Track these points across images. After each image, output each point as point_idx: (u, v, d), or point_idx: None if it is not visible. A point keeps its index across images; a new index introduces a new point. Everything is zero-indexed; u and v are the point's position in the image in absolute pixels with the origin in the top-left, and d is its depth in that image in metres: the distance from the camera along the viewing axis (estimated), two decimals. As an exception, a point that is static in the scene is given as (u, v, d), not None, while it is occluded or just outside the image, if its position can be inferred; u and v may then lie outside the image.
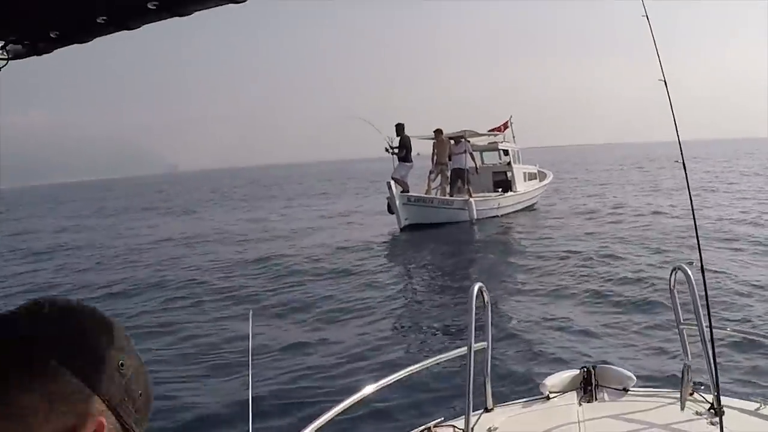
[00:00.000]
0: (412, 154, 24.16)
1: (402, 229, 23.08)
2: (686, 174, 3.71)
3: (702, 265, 3.50)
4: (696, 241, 3.64)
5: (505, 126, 29.41)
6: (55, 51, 2.32)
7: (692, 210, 3.95)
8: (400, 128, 23.89)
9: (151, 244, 24.93)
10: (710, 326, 3.39)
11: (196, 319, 12.60)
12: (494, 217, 25.40)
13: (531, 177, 30.49)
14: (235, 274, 17.11)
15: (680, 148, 3.65)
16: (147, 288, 15.99)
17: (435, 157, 25.23)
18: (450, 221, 23.57)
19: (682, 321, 3.99)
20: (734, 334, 5.86)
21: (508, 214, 26.43)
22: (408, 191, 23.75)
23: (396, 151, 23.76)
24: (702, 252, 3.62)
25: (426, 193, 24.63)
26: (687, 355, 3.89)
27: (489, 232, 22.39)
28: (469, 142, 25.84)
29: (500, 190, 27.69)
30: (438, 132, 25.03)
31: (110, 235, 29.85)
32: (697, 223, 4.04)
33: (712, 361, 3.39)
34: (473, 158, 25.75)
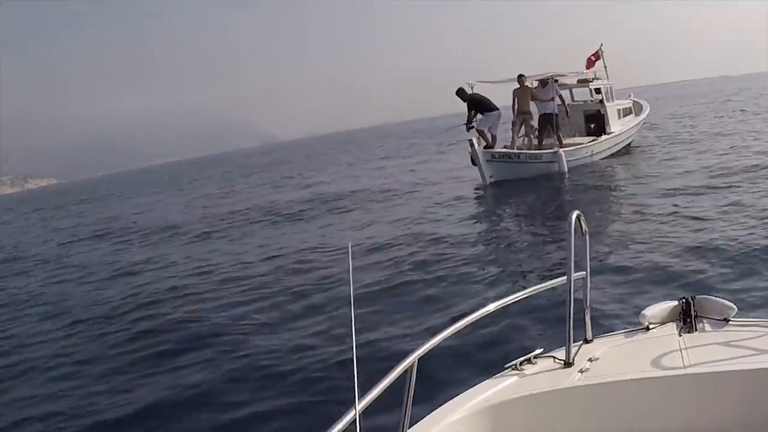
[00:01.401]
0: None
1: (486, 187, 21.53)
2: None
3: None
4: None
5: (596, 56, 26.82)
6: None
7: None
8: (461, 93, 22.34)
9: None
10: None
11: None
12: (588, 164, 23.36)
13: (626, 113, 28.11)
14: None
15: None
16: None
17: (516, 106, 23.25)
18: (539, 175, 21.76)
19: None
20: None
21: (603, 159, 24.39)
22: (494, 146, 22.21)
23: (469, 117, 22.28)
24: None
25: (511, 146, 22.82)
26: None
27: (583, 182, 20.43)
28: (557, 81, 23.80)
29: (593, 126, 25.78)
30: (520, 77, 23.03)
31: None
32: None
33: None
34: (563, 101, 23.80)
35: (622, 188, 18.88)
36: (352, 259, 12.50)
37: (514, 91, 23.15)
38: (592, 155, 23.86)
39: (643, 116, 29.23)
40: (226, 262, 15.56)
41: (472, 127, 22.24)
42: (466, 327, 3.51)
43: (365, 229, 17.32)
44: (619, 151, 25.99)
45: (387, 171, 36.02)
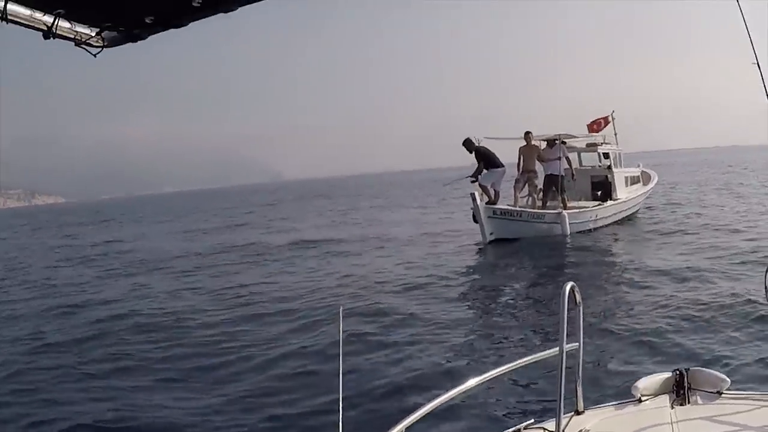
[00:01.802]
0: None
1: (486, 245, 20.87)
2: None
3: None
4: None
5: (606, 121, 26.34)
6: (150, 37, 2.50)
7: None
8: (468, 143, 21.85)
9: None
10: None
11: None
12: (591, 230, 22.75)
13: (633, 181, 27.56)
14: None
15: None
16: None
17: (521, 164, 22.75)
18: (540, 235, 21.17)
19: None
20: None
21: (607, 225, 23.77)
22: (496, 202, 21.56)
23: (476, 170, 21.80)
24: None
25: (513, 205, 22.24)
26: None
27: (584, 246, 19.96)
28: (564, 143, 23.30)
29: (599, 193, 25.15)
30: (527, 135, 22.53)
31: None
32: None
33: None
34: (569, 163, 23.28)
35: (623, 257, 18.49)
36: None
37: (520, 148, 22.65)
38: (595, 220, 23.21)
39: (650, 186, 28.67)
40: (202, 302, 15.61)
41: (476, 180, 21.75)
42: (456, 396, 3.58)
43: (353, 283, 16.68)
44: (623, 218, 25.32)
45: (387, 220, 35.65)
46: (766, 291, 4.02)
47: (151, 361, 10.79)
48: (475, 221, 21.11)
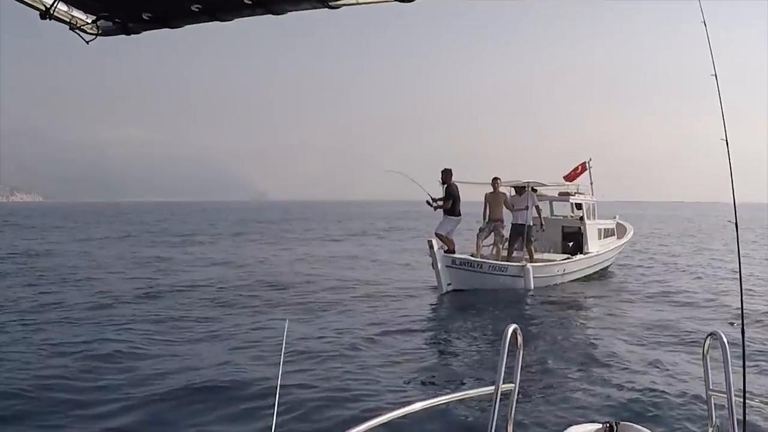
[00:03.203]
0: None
1: (443, 295, 19.38)
2: (738, 235, 3.82)
3: (743, 329, 3.79)
4: (740, 303, 3.85)
5: (583, 168, 25.16)
6: (144, 33, 2.58)
7: (740, 270, 3.91)
8: (446, 175, 20.09)
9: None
10: (744, 396, 3.40)
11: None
12: (558, 284, 21.41)
13: (607, 233, 26.21)
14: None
15: (734, 208, 3.92)
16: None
17: (487, 212, 21.30)
18: (502, 289, 19.67)
19: (711, 387, 3.92)
20: (766, 408, 4.83)
21: (575, 280, 22.36)
22: (454, 250, 20.02)
23: (440, 203, 20.08)
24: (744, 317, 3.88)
25: (475, 255, 20.72)
26: (711, 421, 3.91)
27: (546, 301, 18.77)
28: (535, 191, 21.98)
29: (570, 245, 23.91)
30: (495, 181, 21.14)
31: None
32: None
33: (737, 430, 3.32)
34: (539, 212, 21.95)
35: (583, 313, 17.93)
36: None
37: (486, 195, 21.30)
38: (563, 274, 21.89)
39: (625, 240, 27.42)
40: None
41: (434, 206, 20.15)
42: (388, 422, 3.51)
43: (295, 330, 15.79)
44: (594, 273, 24.00)
45: (350, 256, 34.03)
46: (703, 358, 4.02)
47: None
48: (433, 267, 19.66)
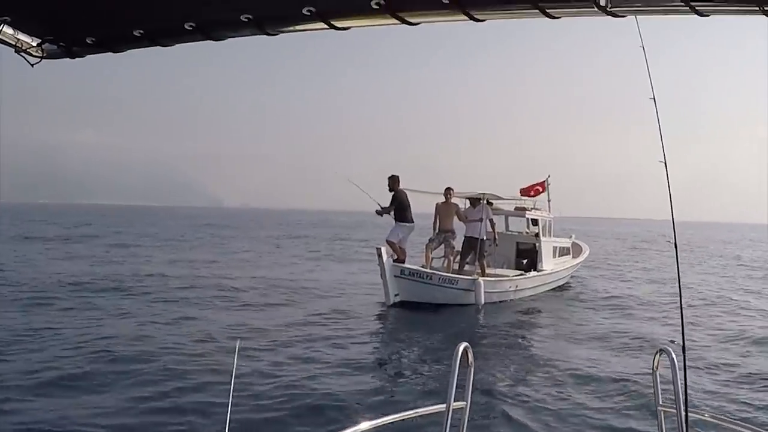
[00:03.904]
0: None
1: (390, 306, 18.56)
2: (677, 253, 3.95)
3: (684, 346, 3.74)
4: (681, 321, 3.95)
5: (543, 187, 24.55)
6: (87, 57, 2.65)
7: (679, 289, 4.05)
8: (393, 181, 19.34)
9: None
10: (687, 410, 3.50)
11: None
12: (509, 300, 20.68)
13: (563, 252, 25.69)
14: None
15: (674, 231, 4.01)
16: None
17: (438, 222, 20.45)
18: (451, 303, 18.89)
19: (660, 403, 4.04)
20: (713, 421, 4.40)
21: (527, 297, 21.65)
22: (404, 260, 19.17)
23: (386, 209, 19.27)
24: (685, 333, 3.92)
25: (424, 266, 19.86)
26: None
27: (496, 317, 18.27)
28: (490, 204, 21.23)
29: (524, 261, 23.23)
30: (447, 191, 20.30)
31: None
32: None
33: None
34: (493, 226, 21.21)
35: (539, 333, 17.33)
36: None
37: (438, 205, 20.45)
38: (515, 291, 21.21)
39: (580, 259, 26.92)
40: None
41: (381, 213, 19.40)
42: None
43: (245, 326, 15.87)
44: (547, 291, 23.28)
45: (294, 266, 33.13)
46: (653, 373, 4.05)
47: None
48: (382, 277, 18.82)
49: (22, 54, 2.58)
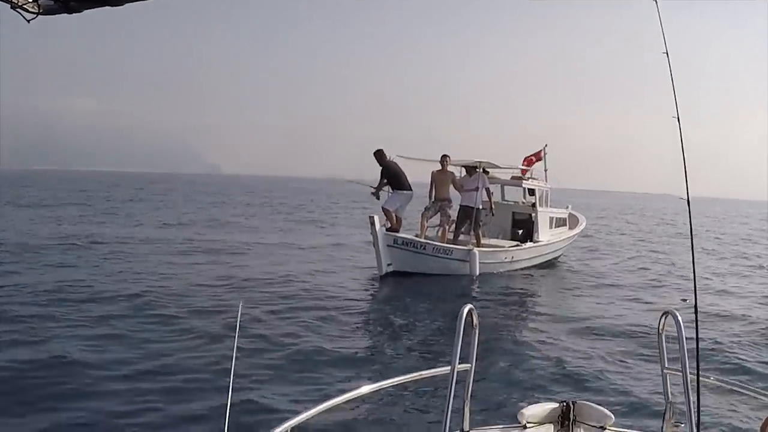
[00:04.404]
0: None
1: (382, 277, 18.19)
2: (690, 213, 3.92)
3: (696, 308, 3.84)
4: (693, 279, 4.11)
5: (538, 157, 24.17)
6: (84, 11, 2.59)
7: (692, 250, 4.10)
8: (379, 156, 19.08)
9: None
10: (698, 373, 3.52)
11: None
12: (504, 272, 20.33)
13: (559, 223, 25.21)
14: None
15: (686, 186, 3.98)
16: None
17: (433, 191, 20.02)
18: (446, 273, 18.54)
19: (666, 366, 4.03)
20: (719, 384, 4.51)
21: (523, 269, 21.31)
22: (398, 229, 18.78)
23: (378, 185, 19.06)
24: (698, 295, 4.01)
25: (419, 235, 19.42)
26: (667, 398, 4.00)
27: (492, 289, 17.87)
28: (486, 173, 20.82)
29: (520, 232, 22.82)
30: (443, 159, 19.79)
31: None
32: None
33: (694, 408, 3.34)
34: (489, 195, 20.74)
35: (538, 302, 17.26)
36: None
37: (433, 173, 20.02)
38: (511, 262, 20.87)
39: (577, 231, 26.46)
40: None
41: (376, 192, 19.08)
42: (343, 403, 3.59)
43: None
44: (543, 263, 22.93)
45: (285, 236, 32.06)
46: (658, 336, 3.96)
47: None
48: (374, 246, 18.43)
49: (18, 10, 2.50)
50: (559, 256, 25.05)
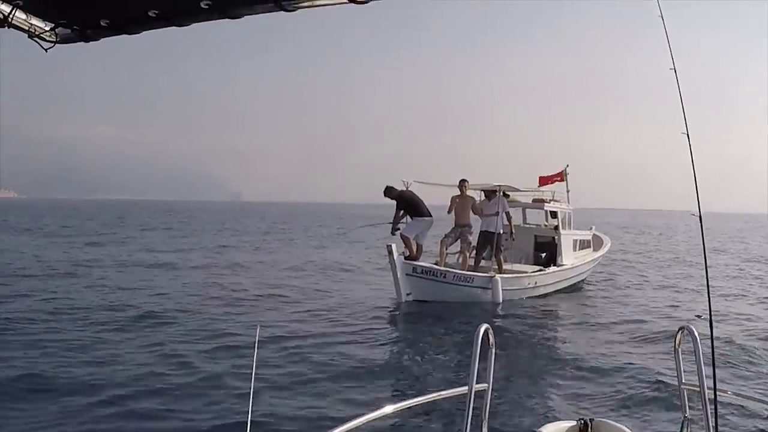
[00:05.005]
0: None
1: (402, 306, 17.59)
2: (702, 228, 3.86)
3: (711, 322, 3.81)
4: (707, 294, 3.95)
5: (561, 177, 23.50)
6: (102, 40, 2.64)
7: (705, 264, 4.16)
8: (389, 191, 18.64)
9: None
10: (714, 387, 3.45)
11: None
12: (528, 298, 19.64)
13: (583, 245, 24.51)
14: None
15: (698, 201, 3.93)
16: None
17: (454, 217, 19.43)
18: (467, 301, 17.86)
19: (683, 381, 3.99)
20: (737, 398, 4.65)
21: (547, 294, 20.60)
22: (417, 258, 18.19)
23: (395, 219, 18.47)
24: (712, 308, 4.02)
25: (438, 263, 18.84)
26: (685, 414, 3.95)
27: (516, 317, 17.06)
28: (507, 196, 20.22)
29: (543, 256, 22.11)
30: (462, 183, 19.28)
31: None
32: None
33: (712, 423, 3.34)
34: (509, 219, 20.12)
35: (559, 327, 16.72)
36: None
37: (453, 198, 19.47)
38: (535, 287, 20.18)
39: (602, 252, 25.75)
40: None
41: (398, 229, 18.41)
42: (365, 424, 3.52)
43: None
44: (567, 287, 22.17)
45: (306, 262, 31.75)
46: (674, 351, 3.96)
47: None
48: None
49: (35, 39, 2.54)
50: (584, 279, 24.32)
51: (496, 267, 19.32)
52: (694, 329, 3.68)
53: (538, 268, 21.13)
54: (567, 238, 22.42)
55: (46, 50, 2.57)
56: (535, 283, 20.20)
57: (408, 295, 17.68)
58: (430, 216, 18.42)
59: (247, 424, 3.28)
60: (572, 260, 22.55)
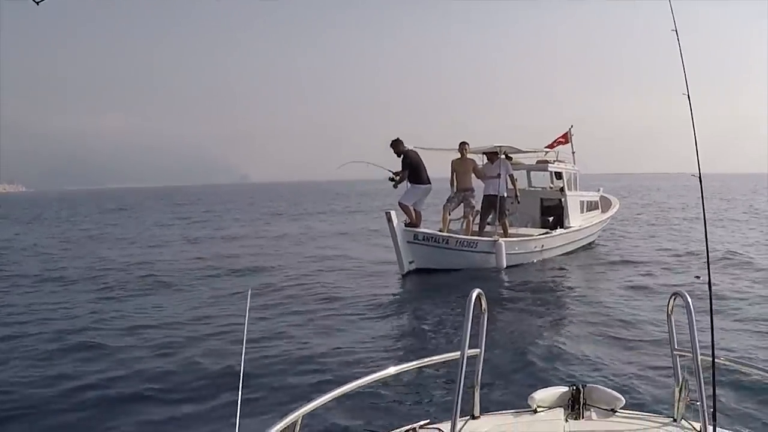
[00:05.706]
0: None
1: (404, 275, 17.16)
2: (702, 189, 3.80)
3: (710, 285, 3.73)
4: (706, 256, 3.83)
5: (566, 139, 23.01)
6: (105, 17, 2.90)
7: (704, 226, 4.17)
8: (396, 144, 17.75)
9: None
10: (713, 354, 3.35)
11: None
12: (534, 262, 19.25)
13: (590, 207, 24.06)
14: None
15: (698, 161, 3.87)
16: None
17: (455, 181, 18.89)
18: (471, 268, 17.43)
19: (676, 347, 3.93)
20: (731, 364, 4.19)
21: (554, 257, 20.16)
22: (418, 224, 17.68)
23: (399, 176, 17.70)
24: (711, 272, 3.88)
25: (441, 229, 18.35)
26: (678, 381, 3.91)
27: (521, 283, 16.55)
28: (510, 159, 19.74)
29: (550, 219, 21.70)
30: (462, 146, 18.67)
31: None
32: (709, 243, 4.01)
33: (705, 389, 3.29)
34: (513, 182, 19.69)
35: (555, 291, 16.18)
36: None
37: (453, 162, 18.87)
38: (541, 251, 19.73)
39: (610, 213, 25.31)
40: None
41: (395, 181, 17.78)
42: (353, 389, 3.55)
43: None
44: (575, 249, 21.77)
45: (308, 236, 32.25)
46: (668, 318, 3.92)
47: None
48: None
49: None
50: (593, 241, 23.86)
51: (501, 231, 18.84)
52: (686, 295, 3.62)
53: (544, 231, 20.67)
54: (573, 200, 21.93)
55: (37, 3, 2.61)
56: (542, 246, 19.75)
57: (410, 263, 17.23)
58: (429, 183, 17.86)
59: (239, 385, 3.27)
60: (579, 222, 22.10)
